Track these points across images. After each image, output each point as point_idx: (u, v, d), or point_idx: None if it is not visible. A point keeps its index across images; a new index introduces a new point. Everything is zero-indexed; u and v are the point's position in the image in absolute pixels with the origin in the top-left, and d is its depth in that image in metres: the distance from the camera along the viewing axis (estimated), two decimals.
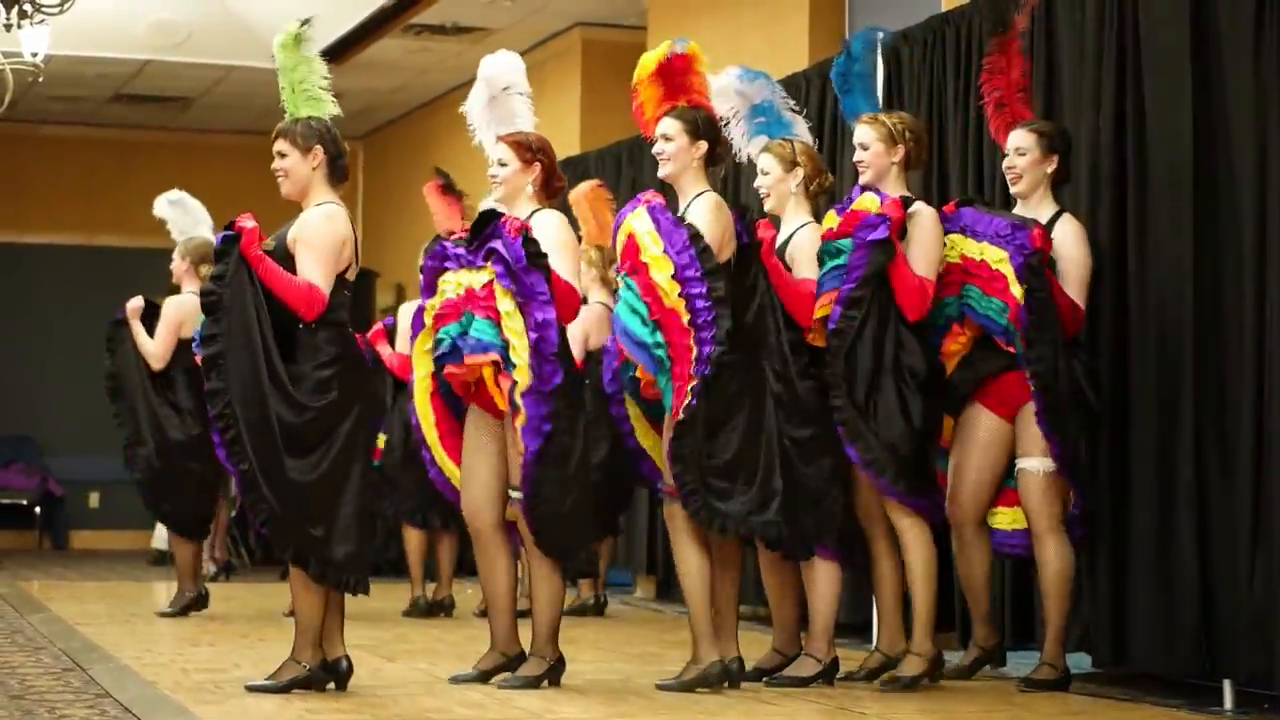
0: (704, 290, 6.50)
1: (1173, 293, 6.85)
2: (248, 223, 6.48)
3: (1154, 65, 7.01)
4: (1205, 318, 6.73)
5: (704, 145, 6.81)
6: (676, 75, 6.88)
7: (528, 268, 6.58)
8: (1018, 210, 7.08)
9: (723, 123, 7.06)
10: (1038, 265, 6.78)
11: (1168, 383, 6.87)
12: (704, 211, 6.71)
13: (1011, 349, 6.88)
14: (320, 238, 6.50)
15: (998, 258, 6.85)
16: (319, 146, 6.62)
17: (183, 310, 9.81)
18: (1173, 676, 6.99)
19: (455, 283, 6.72)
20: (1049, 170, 7.04)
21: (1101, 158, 7.22)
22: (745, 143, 7.21)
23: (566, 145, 13.55)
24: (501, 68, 6.98)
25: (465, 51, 14.51)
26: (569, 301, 6.71)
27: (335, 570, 6.44)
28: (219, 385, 6.36)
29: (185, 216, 10.36)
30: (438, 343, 6.73)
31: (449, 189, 9.71)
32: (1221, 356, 6.66)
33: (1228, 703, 6.56)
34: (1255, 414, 6.46)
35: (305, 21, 6.73)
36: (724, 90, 7.11)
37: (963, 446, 7.08)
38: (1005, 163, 7.07)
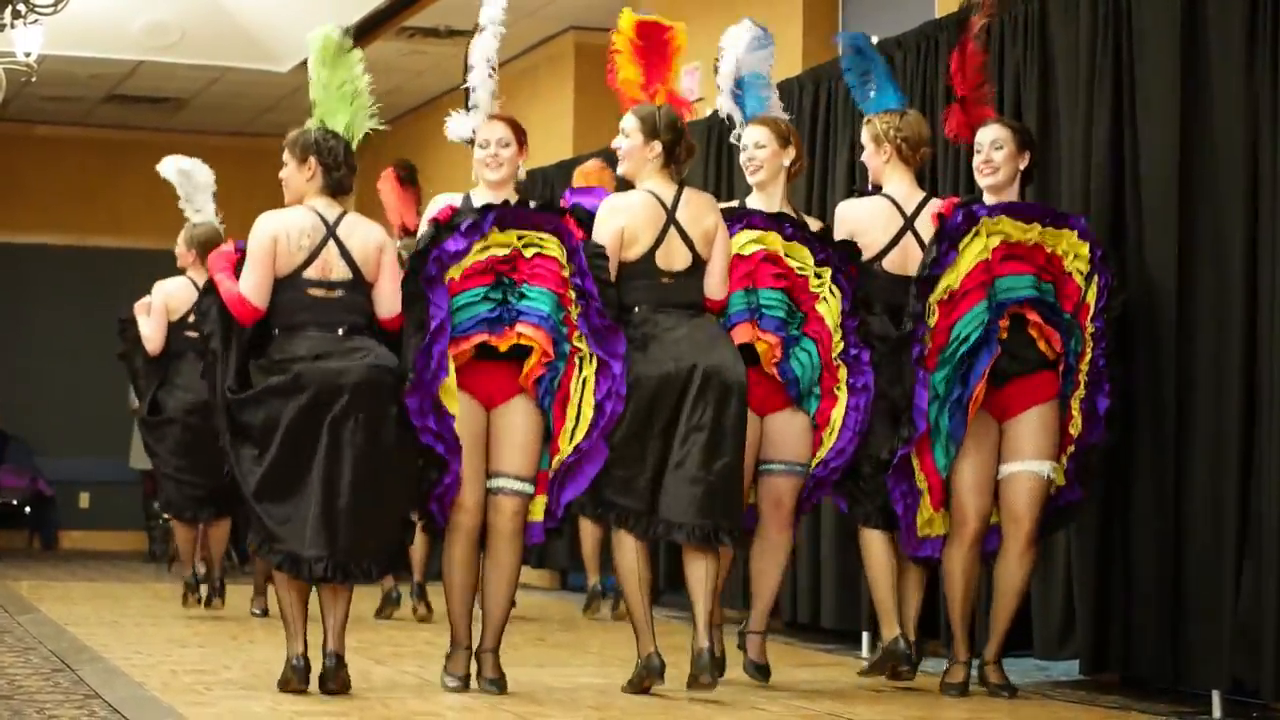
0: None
1: (1161, 299, 6.86)
2: (226, 247, 6.82)
3: (1146, 76, 7.03)
4: (1193, 325, 6.74)
5: (657, 146, 6.84)
6: (656, 50, 6.94)
7: (585, 271, 6.69)
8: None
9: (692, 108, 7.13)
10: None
11: (1155, 389, 6.88)
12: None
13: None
14: (250, 244, 6.64)
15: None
16: (314, 159, 6.70)
17: (170, 295, 9.87)
18: (1161, 684, 7.00)
19: (498, 242, 6.64)
20: (1021, 167, 7.06)
21: (1094, 166, 7.24)
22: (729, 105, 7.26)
23: (559, 149, 13.56)
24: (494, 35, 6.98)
25: (459, 54, 14.43)
26: None
27: (292, 561, 6.47)
28: (210, 399, 6.73)
29: (187, 185, 10.40)
30: (463, 307, 6.60)
31: (408, 180, 9.68)
32: (1208, 364, 6.67)
33: (1216, 710, 6.56)
34: (1243, 422, 6.48)
35: (346, 30, 6.82)
36: (729, 46, 7.22)
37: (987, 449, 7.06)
38: (981, 156, 7.06)
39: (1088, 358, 6.89)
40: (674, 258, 6.79)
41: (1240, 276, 6.52)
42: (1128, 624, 6.95)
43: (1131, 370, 6.96)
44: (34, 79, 12.79)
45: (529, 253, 6.64)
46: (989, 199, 7.04)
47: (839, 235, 7.10)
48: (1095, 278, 6.89)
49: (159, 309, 9.90)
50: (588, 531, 10.17)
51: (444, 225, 6.61)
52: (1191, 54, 6.80)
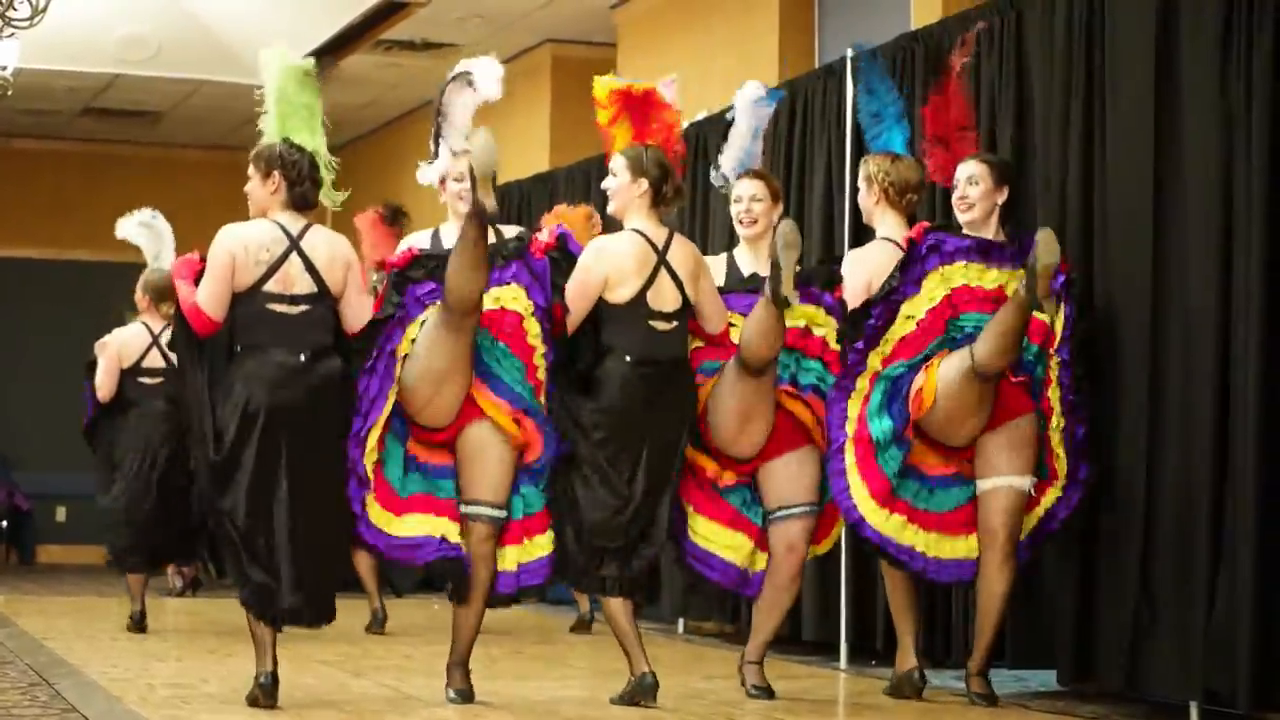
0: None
1: (1134, 312, 6.88)
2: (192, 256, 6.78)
3: (1120, 89, 7.05)
4: (1165, 335, 6.76)
5: (644, 183, 6.82)
6: (643, 108, 6.93)
7: (550, 300, 6.72)
8: None
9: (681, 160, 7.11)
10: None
11: (1127, 399, 6.90)
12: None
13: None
14: (210, 256, 6.59)
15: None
16: (278, 173, 6.67)
17: (124, 343, 9.88)
18: (1138, 695, 7.02)
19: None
20: (999, 201, 7.13)
21: (1069, 178, 7.26)
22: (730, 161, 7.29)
23: (536, 162, 13.57)
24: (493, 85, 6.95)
25: (435, 67, 14.51)
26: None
27: (253, 596, 6.48)
28: (183, 416, 6.71)
29: (154, 240, 10.38)
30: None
31: (391, 221, 9.69)
32: (1181, 375, 6.68)
33: None
34: (1216, 436, 6.49)
35: (316, 56, 6.85)
36: (744, 106, 7.30)
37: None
38: (957, 193, 7.15)
39: (1054, 385, 6.91)
40: (664, 298, 6.78)
41: (1214, 290, 6.52)
42: (1105, 633, 6.95)
43: (1104, 384, 6.98)
44: (10, 92, 12.77)
45: (498, 303, 6.67)
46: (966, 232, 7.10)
47: (854, 279, 7.14)
48: (1060, 307, 6.90)
49: (111, 356, 9.89)
50: None
51: (404, 273, 6.70)
52: (1166, 68, 6.82)
